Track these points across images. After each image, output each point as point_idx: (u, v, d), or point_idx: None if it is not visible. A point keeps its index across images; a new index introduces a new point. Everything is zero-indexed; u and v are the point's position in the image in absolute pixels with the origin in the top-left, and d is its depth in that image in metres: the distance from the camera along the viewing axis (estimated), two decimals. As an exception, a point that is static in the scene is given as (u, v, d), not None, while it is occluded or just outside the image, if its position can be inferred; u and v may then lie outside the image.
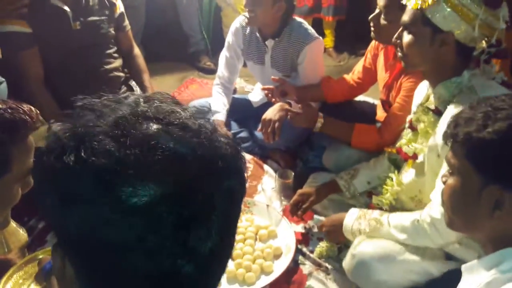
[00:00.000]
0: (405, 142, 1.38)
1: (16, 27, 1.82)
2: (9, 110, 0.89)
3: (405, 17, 1.25)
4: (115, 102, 0.50)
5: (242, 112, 2.27)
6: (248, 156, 2.11)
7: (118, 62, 2.08)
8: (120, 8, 2.08)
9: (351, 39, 3.36)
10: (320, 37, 2.07)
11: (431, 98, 1.30)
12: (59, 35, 1.87)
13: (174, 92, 2.88)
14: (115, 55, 2.07)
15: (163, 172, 0.44)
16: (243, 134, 2.22)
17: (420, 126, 1.32)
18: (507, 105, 0.78)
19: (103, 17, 1.98)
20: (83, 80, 1.93)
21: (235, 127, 2.22)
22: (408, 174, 1.39)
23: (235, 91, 2.81)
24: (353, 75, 2.05)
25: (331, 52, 3.33)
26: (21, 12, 1.80)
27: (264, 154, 2.17)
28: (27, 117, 0.92)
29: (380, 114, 1.91)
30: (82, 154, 0.44)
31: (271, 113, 1.88)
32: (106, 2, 2.01)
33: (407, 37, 1.26)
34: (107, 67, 2.01)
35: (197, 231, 0.45)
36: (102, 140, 0.44)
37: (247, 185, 1.56)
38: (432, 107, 1.29)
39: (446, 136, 0.84)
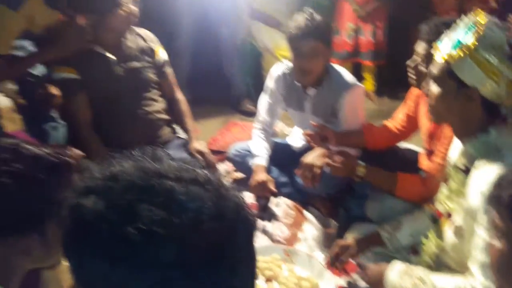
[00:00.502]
0: (440, 199, 1.35)
1: (68, 74, 1.98)
2: (54, 154, 0.95)
3: (433, 69, 1.25)
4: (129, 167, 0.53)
5: (283, 156, 2.28)
6: (288, 202, 2.11)
7: (160, 105, 2.18)
8: (161, 55, 2.20)
9: (391, 82, 3.36)
10: (361, 84, 2.09)
11: (461, 156, 1.28)
12: (102, 80, 2.01)
13: (216, 135, 2.97)
14: (157, 98, 2.17)
15: (208, 231, 0.49)
16: (283, 179, 2.22)
17: (453, 185, 1.29)
18: None
19: (144, 63, 2.11)
20: (125, 122, 2.05)
21: (275, 172, 2.22)
22: (448, 236, 1.34)
23: (274, 134, 2.85)
24: (395, 122, 2.03)
25: (371, 96, 3.34)
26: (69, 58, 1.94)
27: (304, 200, 2.15)
28: (70, 160, 0.97)
29: (424, 162, 1.87)
30: (141, 226, 0.47)
31: (311, 157, 1.88)
32: (147, 49, 2.14)
33: (434, 89, 1.25)
34: (148, 109, 2.12)
35: (241, 274, 0.52)
36: (152, 209, 0.48)
37: (289, 232, 1.61)
38: (462, 166, 1.26)
39: (490, 199, 0.82)
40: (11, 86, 2.20)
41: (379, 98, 3.35)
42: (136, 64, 2.09)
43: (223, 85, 3.42)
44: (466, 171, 1.23)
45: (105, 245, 0.48)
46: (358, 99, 2.07)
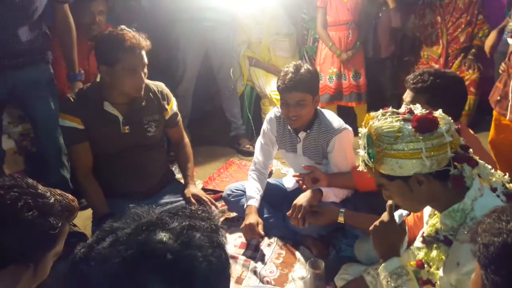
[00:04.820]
0: (422, 257, 1.35)
1: (73, 123, 2.03)
2: (66, 199, 1.12)
3: (376, 181, 1.27)
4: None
5: (276, 196, 2.33)
6: (280, 242, 2.13)
7: (160, 158, 2.24)
8: (172, 109, 2.24)
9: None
10: (349, 127, 2.13)
11: (440, 226, 1.27)
12: (109, 136, 2.06)
13: (214, 174, 3.02)
14: (158, 151, 2.23)
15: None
16: (276, 219, 2.25)
17: (433, 254, 1.30)
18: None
19: (151, 122, 2.14)
20: (126, 173, 2.11)
21: (266, 212, 2.26)
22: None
23: (271, 174, 2.90)
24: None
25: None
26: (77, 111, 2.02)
27: (296, 240, 2.17)
28: (75, 204, 1.15)
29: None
30: None
31: (302, 199, 1.94)
32: (158, 106, 2.17)
33: (389, 193, 1.27)
34: (148, 162, 2.17)
35: None
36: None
37: (278, 272, 1.71)
38: (441, 237, 1.26)
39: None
40: (15, 128, 2.31)
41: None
42: (144, 123, 2.12)
43: (223, 126, 3.52)
44: (447, 242, 1.24)
45: None
46: (346, 143, 2.12)
